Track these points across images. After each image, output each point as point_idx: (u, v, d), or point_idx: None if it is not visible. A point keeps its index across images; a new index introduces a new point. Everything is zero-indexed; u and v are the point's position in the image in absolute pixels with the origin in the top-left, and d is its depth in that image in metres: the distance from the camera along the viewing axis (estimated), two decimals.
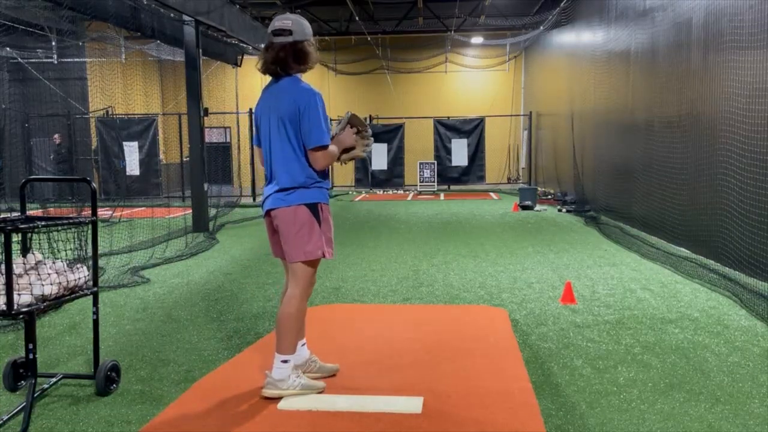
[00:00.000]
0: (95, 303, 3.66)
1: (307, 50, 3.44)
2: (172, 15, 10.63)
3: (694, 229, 7.55)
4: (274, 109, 3.42)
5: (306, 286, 3.47)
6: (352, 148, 3.61)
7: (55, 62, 17.09)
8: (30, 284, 3.28)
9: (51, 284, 3.32)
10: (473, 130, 19.95)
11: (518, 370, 3.86)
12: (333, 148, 3.47)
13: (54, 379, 3.65)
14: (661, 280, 6.42)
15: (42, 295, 3.28)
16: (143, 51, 17.24)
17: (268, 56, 3.42)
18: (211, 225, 10.81)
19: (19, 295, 3.20)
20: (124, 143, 17.19)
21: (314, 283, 3.56)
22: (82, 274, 3.55)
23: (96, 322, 3.67)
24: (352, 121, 3.61)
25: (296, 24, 3.42)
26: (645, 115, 9.43)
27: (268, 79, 3.56)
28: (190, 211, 11.02)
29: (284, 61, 3.40)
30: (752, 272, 6.01)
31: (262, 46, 3.51)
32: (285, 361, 3.45)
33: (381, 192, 19.63)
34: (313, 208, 3.42)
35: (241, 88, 17.77)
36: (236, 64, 15.68)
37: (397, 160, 19.88)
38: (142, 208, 14.45)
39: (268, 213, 3.52)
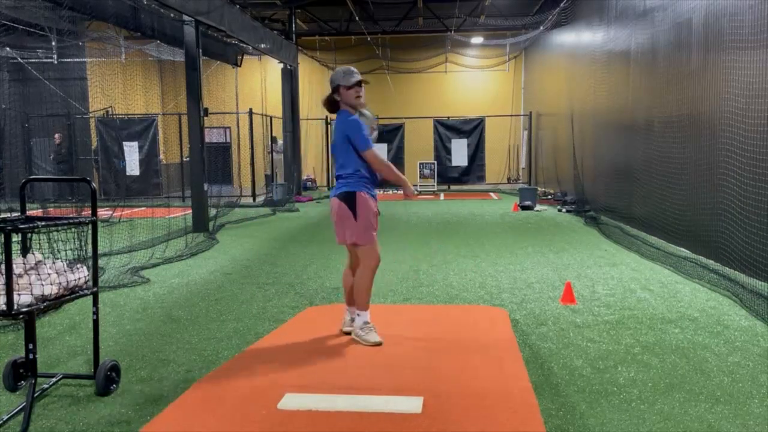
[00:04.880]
0: (95, 303, 3.66)
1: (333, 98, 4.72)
2: (172, 15, 10.63)
3: (694, 229, 7.55)
4: None
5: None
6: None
7: (55, 62, 17.05)
8: (30, 284, 3.28)
9: (51, 284, 3.32)
10: (473, 130, 19.96)
11: (518, 370, 3.86)
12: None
13: (54, 379, 3.65)
14: (661, 280, 6.42)
15: (42, 295, 3.28)
16: (143, 51, 17.23)
17: None
18: (211, 225, 10.80)
19: (19, 295, 3.20)
20: (124, 143, 17.18)
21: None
22: (82, 274, 3.55)
23: (96, 322, 3.68)
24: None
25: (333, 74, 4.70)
26: (645, 115, 9.43)
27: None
28: (190, 211, 11.02)
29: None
30: (752, 272, 6.02)
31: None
32: (359, 315, 4.51)
33: (381, 192, 19.64)
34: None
35: (241, 88, 17.74)
36: (236, 64, 15.66)
37: (396, 160, 19.87)
38: (142, 208, 14.45)
39: None
